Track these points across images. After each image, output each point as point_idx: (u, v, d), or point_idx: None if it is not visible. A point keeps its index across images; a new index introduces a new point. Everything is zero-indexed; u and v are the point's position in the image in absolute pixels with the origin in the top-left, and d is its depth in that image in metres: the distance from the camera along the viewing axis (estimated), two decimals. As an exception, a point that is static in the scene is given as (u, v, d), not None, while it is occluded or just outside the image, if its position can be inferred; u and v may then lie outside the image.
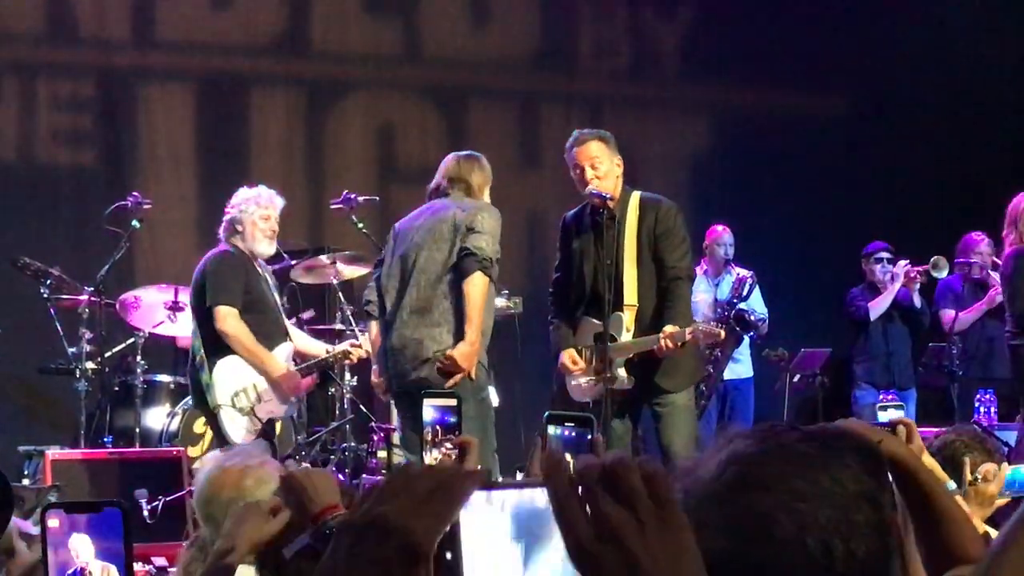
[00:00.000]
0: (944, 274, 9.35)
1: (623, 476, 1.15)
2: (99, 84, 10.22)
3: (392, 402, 6.96)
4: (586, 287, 6.46)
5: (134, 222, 8.23)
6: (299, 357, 7.48)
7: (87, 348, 7.98)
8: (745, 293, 8.93)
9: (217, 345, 7.02)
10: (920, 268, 9.40)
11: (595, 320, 6.41)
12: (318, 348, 7.61)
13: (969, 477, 3.80)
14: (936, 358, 9.29)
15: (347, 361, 7.64)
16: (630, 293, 6.32)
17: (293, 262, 8.71)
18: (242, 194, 7.35)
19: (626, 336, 6.31)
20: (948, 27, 11.69)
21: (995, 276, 9.41)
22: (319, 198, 10.23)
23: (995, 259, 9.47)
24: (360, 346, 7.31)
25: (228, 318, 6.99)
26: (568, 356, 6.47)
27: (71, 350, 8.03)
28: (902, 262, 9.51)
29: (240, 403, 7.01)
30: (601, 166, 6.36)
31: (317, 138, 10.69)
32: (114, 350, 8.42)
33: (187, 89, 10.46)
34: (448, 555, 1.23)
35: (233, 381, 7.03)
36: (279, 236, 9.27)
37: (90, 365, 8.00)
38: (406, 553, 1.18)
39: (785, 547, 1.34)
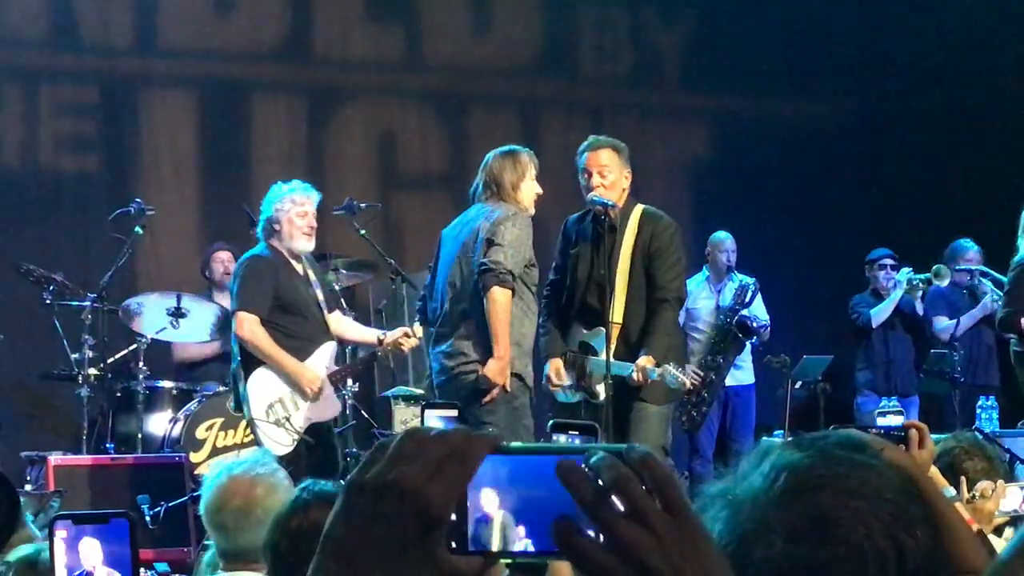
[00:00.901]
0: (946, 282, 9.37)
1: (626, 490, 1.13)
2: (102, 90, 10.23)
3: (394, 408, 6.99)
4: (577, 294, 6.47)
5: (137, 228, 8.25)
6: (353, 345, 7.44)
7: (89, 354, 7.98)
8: (747, 300, 8.95)
9: (251, 355, 6.95)
10: (921, 277, 9.42)
11: (583, 329, 6.43)
12: (371, 335, 7.49)
13: (967, 495, 3.80)
14: (937, 365, 9.30)
15: (400, 351, 7.41)
16: (618, 310, 6.30)
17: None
18: (276, 191, 7.18)
19: (605, 356, 6.22)
20: (948, 35, 11.70)
21: (985, 283, 9.44)
22: (321, 205, 10.21)
23: (984, 268, 9.51)
24: (413, 334, 7.10)
25: (245, 323, 6.92)
26: (553, 368, 6.47)
27: (73, 356, 8.03)
28: (904, 269, 9.52)
29: (274, 416, 6.91)
30: (609, 175, 6.36)
31: (319, 144, 10.70)
32: (116, 356, 8.42)
33: (189, 96, 10.48)
34: (453, 516, 1.21)
35: (266, 393, 6.92)
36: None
37: (92, 371, 8.00)
38: (424, 519, 1.16)
39: (851, 545, 1.35)
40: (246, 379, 6.95)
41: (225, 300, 8.96)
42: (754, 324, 8.94)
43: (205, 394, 8.02)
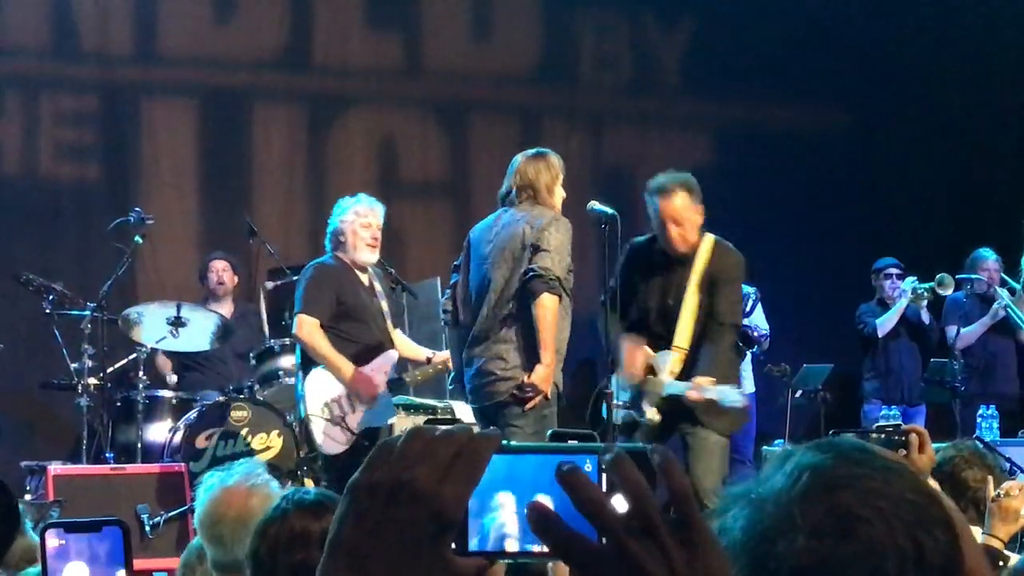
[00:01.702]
0: (950, 291, 9.36)
1: (638, 499, 1.13)
2: (102, 99, 10.23)
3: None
4: (647, 320, 6.48)
5: (136, 237, 8.26)
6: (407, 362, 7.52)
7: (89, 363, 7.98)
8: (748, 309, 8.94)
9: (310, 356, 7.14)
10: (925, 286, 9.42)
11: (649, 351, 6.44)
12: (421, 353, 7.62)
13: (992, 493, 3.79)
14: (938, 374, 9.29)
15: (446, 370, 7.39)
16: (682, 336, 6.36)
17: (295, 277, 8.71)
18: (343, 204, 7.38)
19: (666, 376, 6.32)
20: (949, 40, 11.71)
21: (1001, 292, 9.43)
22: (321, 213, 10.21)
23: (1004, 276, 9.50)
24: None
25: (304, 326, 7.10)
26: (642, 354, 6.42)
27: (73, 365, 8.03)
28: (910, 278, 9.52)
29: (329, 413, 7.06)
30: (685, 223, 6.37)
31: (319, 153, 10.70)
32: (116, 365, 8.42)
33: (189, 104, 10.48)
34: None
35: (324, 391, 7.11)
36: (283, 251, 9.34)
37: (92, 380, 8.00)
38: (437, 521, 1.14)
39: (873, 542, 1.36)
40: (304, 377, 7.11)
41: (221, 308, 8.98)
42: (755, 334, 8.94)
43: (205, 403, 8.02)
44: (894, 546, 1.36)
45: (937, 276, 9.36)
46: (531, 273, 6.12)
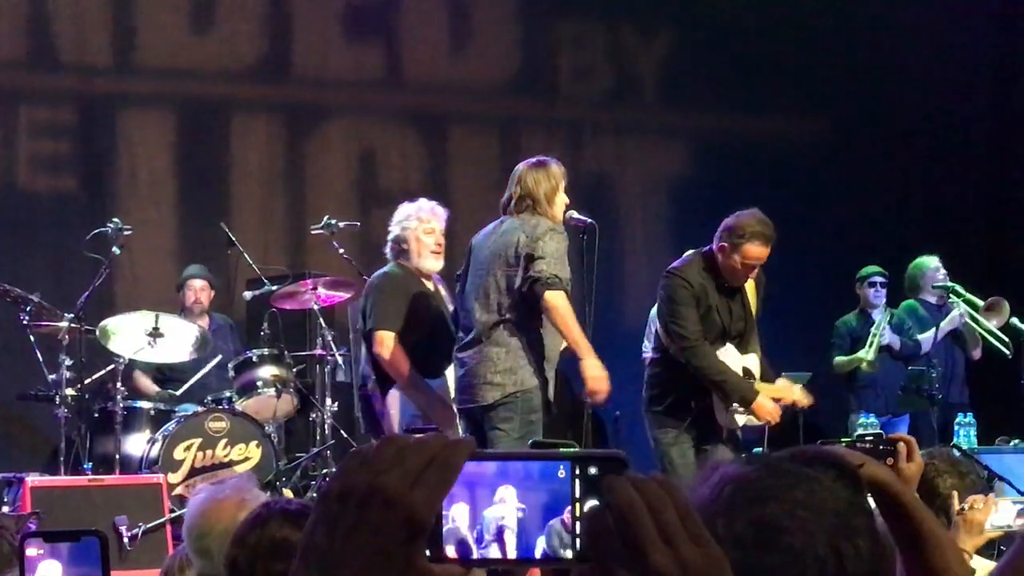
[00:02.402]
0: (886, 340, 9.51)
1: (659, 514, 1.14)
2: (79, 110, 10.22)
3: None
4: (728, 332, 6.74)
5: (114, 248, 8.23)
6: None
7: (67, 375, 7.94)
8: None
9: (387, 374, 6.89)
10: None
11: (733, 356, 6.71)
12: None
13: (957, 506, 3.80)
14: (916, 382, 9.32)
15: None
16: (755, 343, 6.83)
17: (274, 288, 8.71)
18: (403, 210, 7.18)
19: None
20: (926, 51, 11.77)
21: (957, 303, 9.50)
22: (300, 224, 10.24)
23: (956, 285, 9.58)
24: None
25: (384, 342, 6.85)
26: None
27: (51, 377, 7.99)
28: (882, 317, 9.58)
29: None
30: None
31: (298, 163, 10.69)
32: (94, 376, 8.39)
33: (167, 115, 10.46)
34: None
35: (401, 413, 6.88)
36: (261, 261, 9.33)
37: (70, 392, 7.96)
38: (408, 527, 1.15)
39: (795, 553, 1.37)
40: (383, 397, 6.91)
41: (196, 322, 8.95)
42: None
43: (183, 415, 8.00)
44: (814, 556, 1.37)
45: (873, 331, 9.51)
46: (530, 280, 6.13)
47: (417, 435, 1.19)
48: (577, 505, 1.18)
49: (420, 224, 7.03)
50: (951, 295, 9.50)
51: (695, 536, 1.14)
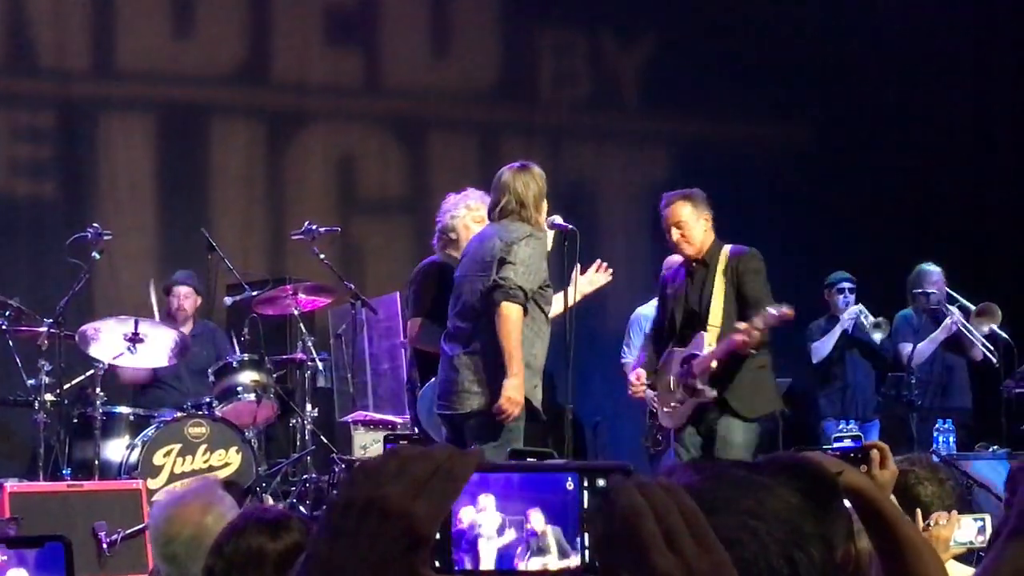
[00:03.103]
0: (879, 337, 9.50)
1: (665, 518, 1.15)
2: (59, 115, 10.19)
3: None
4: (676, 326, 6.92)
5: (94, 253, 8.20)
6: None
7: (46, 380, 7.92)
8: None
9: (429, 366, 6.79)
10: (870, 321, 9.53)
11: (680, 348, 6.85)
12: None
13: (922, 524, 3.81)
14: (895, 388, 9.35)
15: None
16: (714, 316, 6.78)
17: (254, 293, 8.71)
18: (451, 200, 7.03)
19: (706, 348, 6.73)
20: (909, 58, 11.82)
21: (952, 309, 9.51)
22: (280, 229, 10.23)
23: (950, 292, 9.58)
24: None
25: (411, 329, 6.92)
26: (635, 374, 7.03)
27: (30, 382, 7.97)
28: (852, 308, 9.59)
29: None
30: (686, 228, 6.86)
31: (277, 169, 10.68)
32: (73, 382, 8.36)
33: (147, 119, 10.44)
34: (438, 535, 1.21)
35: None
36: (241, 266, 9.32)
37: (49, 397, 7.94)
38: (409, 538, 1.15)
39: (748, 564, 1.36)
40: (422, 385, 6.85)
41: (179, 328, 8.93)
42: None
43: (163, 420, 7.98)
44: (767, 566, 1.37)
45: (873, 322, 9.47)
46: (492, 283, 6.10)
47: (423, 447, 1.20)
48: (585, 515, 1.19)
49: (469, 212, 6.87)
50: (946, 306, 9.51)
51: (701, 541, 1.15)
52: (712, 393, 6.71)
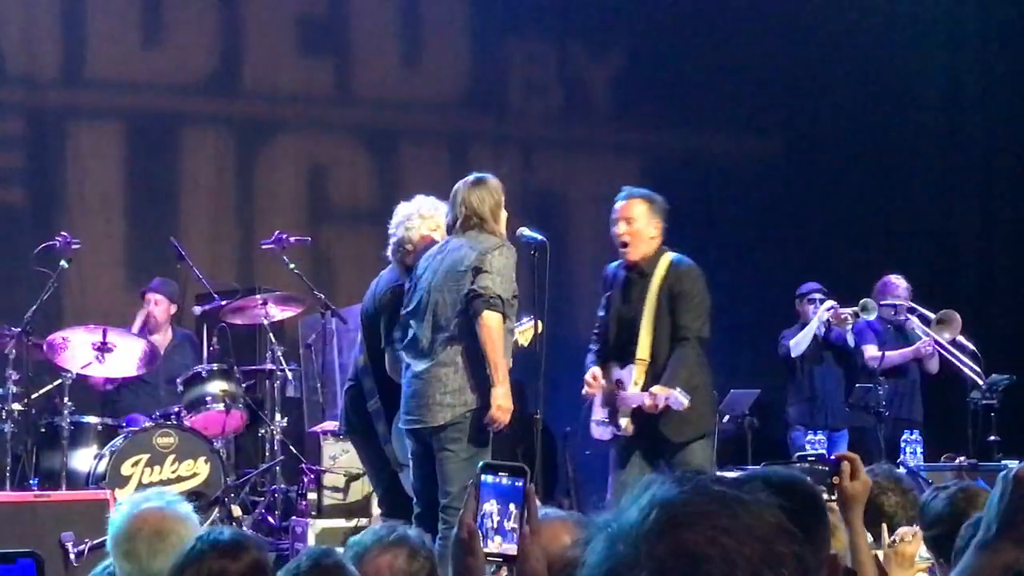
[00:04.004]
0: (872, 316, 9.47)
1: None
2: (28, 122, 10.15)
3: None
4: (610, 336, 6.78)
5: (62, 262, 8.17)
6: None
7: (13, 389, 7.89)
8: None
9: None
10: (849, 310, 9.52)
11: (618, 367, 6.69)
12: None
13: (887, 540, 3.83)
14: (863, 399, 9.40)
15: None
16: (643, 348, 6.58)
17: (223, 302, 8.69)
18: (402, 210, 6.73)
19: (633, 389, 6.55)
20: (878, 71, 11.89)
21: (913, 319, 9.57)
22: (250, 238, 10.21)
23: (912, 304, 9.65)
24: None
25: (392, 361, 6.67)
26: (591, 372, 6.76)
27: (-3, 391, 7.94)
28: (828, 302, 9.63)
29: None
30: (636, 224, 6.67)
31: (248, 178, 10.67)
32: (41, 391, 8.33)
33: (117, 128, 10.41)
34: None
35: None
36: (210, 275, 9.29)
37: (16, 406, 7.91)
38: None
39: None
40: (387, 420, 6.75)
41: (156, 337, 8.90)
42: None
43: (131, 429, 7.95)
44: None
45: (861, 301, 9.47)
46: (471, 293, 6.10)
47: None
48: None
49: (423, 221, 6.66)
50: (909, 313, 9.57)
51: None
52: (629, 430, 6.55)
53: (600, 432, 6.75)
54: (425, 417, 6.17)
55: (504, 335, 6.16)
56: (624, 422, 6.56)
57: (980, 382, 9.26)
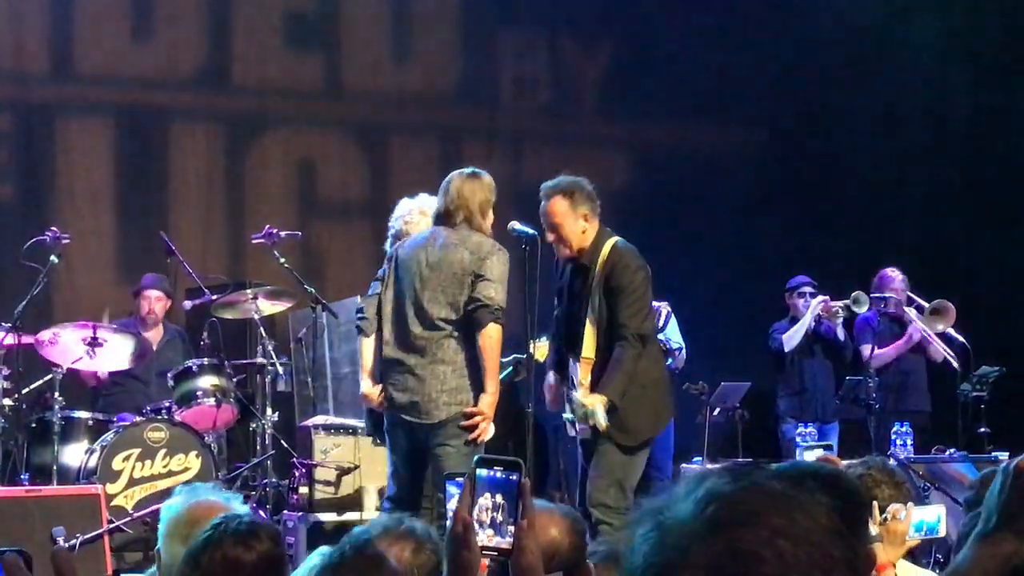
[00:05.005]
0: (864, 309, 9.49)
1: None
2: (17, 117, 10.13)
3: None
4: (562, 331, 6.61)
5: (52, 257, 8.16)
6: None
7: (4, 385, 7.88)
8: (661, 324, 8.98)
9: None
10: (840, 303, 9.54)
11: (571, 363, 6.52)
12: None
13: (879, 517, 3.84)
14: (853, 391, 9.42)
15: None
16: (587, 347, 6.38)
17: (214, 297, 8.68)
18: (404, 205, 6.79)
19: (580, 389, 6.38)
20: (865, 61, 11.91)
21: (910, 312, 9.59)
22: (240, 233, 10.20)
23: (910, 294, 9.66)
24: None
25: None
26: (547, 384, 6.65)
27: (-13, 386, 7.93)
28: (819, 296, 9.64)
29: None
30: (561, 229, 6.41)
31: (237, 173, 10.66)
32: (31, 387, 8.32)
33: (106, 123, 10.39)
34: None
35: None
36: (201, 270, 9.28)
37: (7, 402, 7.90)
38: None
39: None
40: None
41: (149, 332, 8.90)
42: (667, 346, 9.00)
43: (121, 424, 7.95)
44: None
45: (852, 294, 9.49)
46: (477, 303, 6.05)
47: None
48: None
49: (424, 217, 6.64)
50: (908, 305, 9.59)
51: None
52: (586, 432, 6.37)
53: (572, 430, 6.61)
54: (422, 414, 6.15)
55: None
56: (598, 414, 6.31)
57: (955, 363, 9.30)
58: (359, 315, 6.48)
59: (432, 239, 6.28)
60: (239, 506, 3.49)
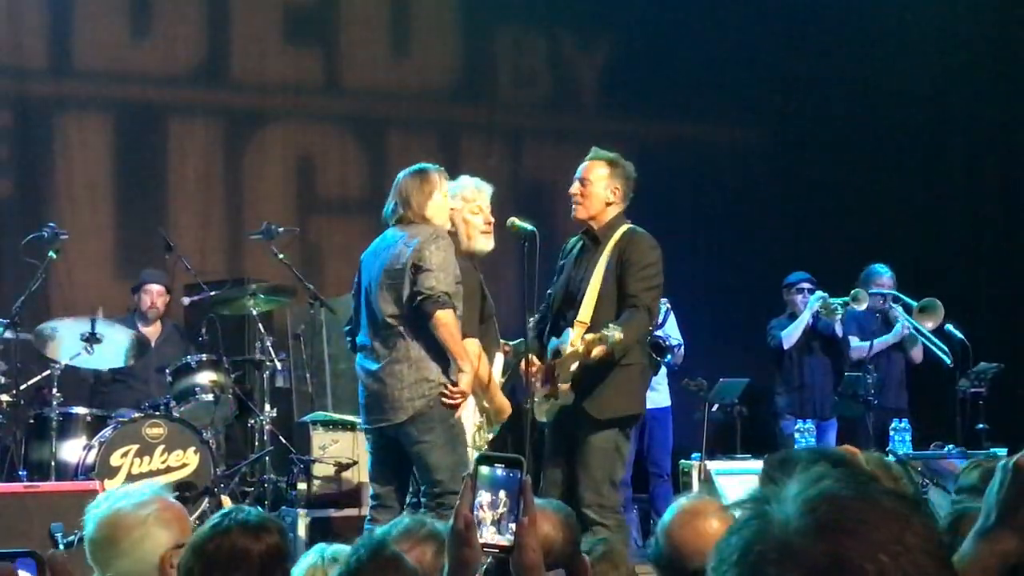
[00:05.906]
0: (863, 306, 9.49)
1: None
2: (15, 113, 10.12)
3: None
4: (555, 304, 6.55)
5: (51, 253, 8.16)
6: None
7: (2, 380, 7.88)
8: (661, 320, 8.99)
9: None
10: (839, 300, 9.54)
11: (553, 339, 6.46)
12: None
13: None
14: (852, 387, 9.42)
15: None
16: (585, 312, 6.32)
17: (212, 293, 8.68)
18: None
19: (569, 350, 6.28)
20: (868, 59, 11.90)
21: (896, 308, 9.60)
22: (238, 229, 10.20)
23: (895, 292, 9.68)
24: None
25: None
26: (528, 359, 6.47)
27: (-15, 382, 7.93)
28: (818, 292, 9.64)
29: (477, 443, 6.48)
30: (588, 187, 6.47)
31: (236, 168, 10.65)
32: (29, 382, 8.32)
33: (105, 119, 10.38)
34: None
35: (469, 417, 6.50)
36: (199, 266, 9.28)
37: (5, 397, 7.90)
38: None
39: None
40: None
41: (148, 328, 8.90)
42: (666, 343, 9.00)
43: (120, 420, 7.94)
44: None
45: (852, 291, 9.49)
46: (419, 296, 6.04)
47: None
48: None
49: (465, 204, 6.52)
50: (893, 302, 9.61)
51: None
52: (569, 399, 6.29)
53: (540, 413, 6.47)
54: (388, 415, 6.13)
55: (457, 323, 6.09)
56: (564, 387, 6.29)
57: (948, 361, 9.31)
58: (347, 329, 6.54)
59: (380, 243, 6.32)
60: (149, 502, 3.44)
